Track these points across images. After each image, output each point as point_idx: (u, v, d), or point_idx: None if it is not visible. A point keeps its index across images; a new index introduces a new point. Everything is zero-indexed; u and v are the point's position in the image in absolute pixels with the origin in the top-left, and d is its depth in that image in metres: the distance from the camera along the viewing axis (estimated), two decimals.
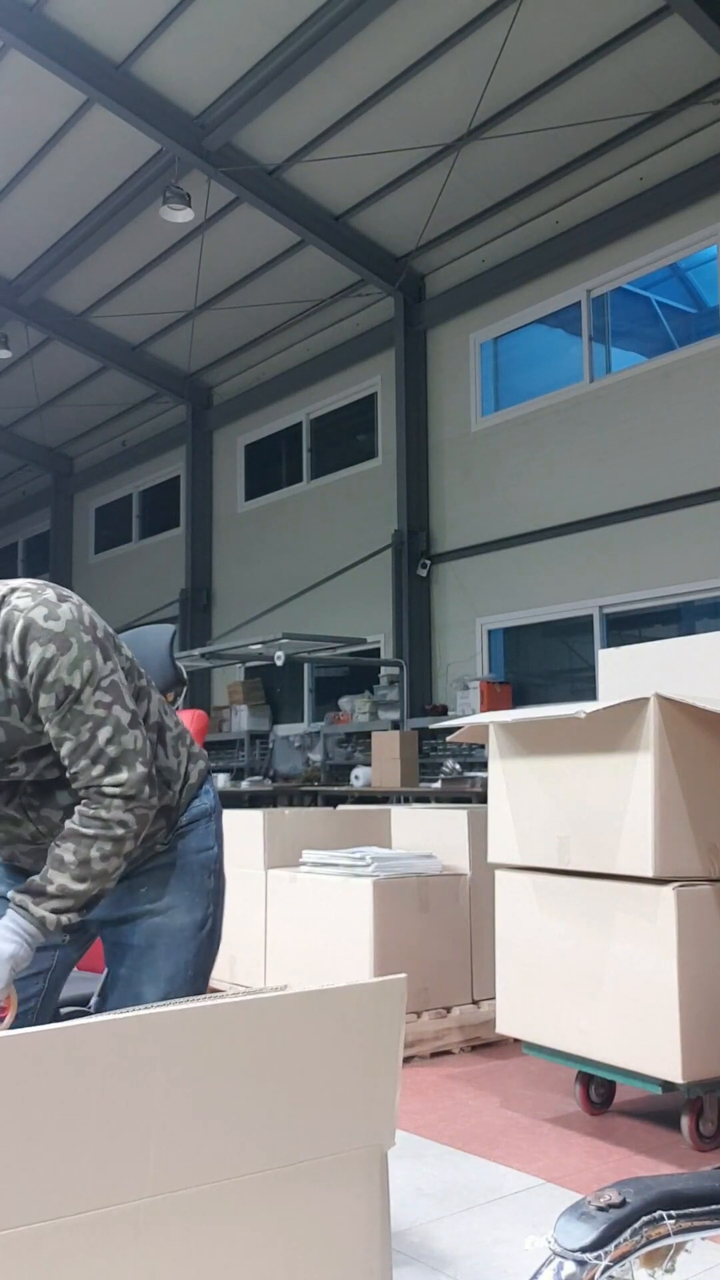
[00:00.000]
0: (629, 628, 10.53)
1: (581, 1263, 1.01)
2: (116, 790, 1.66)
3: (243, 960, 4.55)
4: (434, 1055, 3.92)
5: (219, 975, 4.31)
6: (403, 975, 1.54)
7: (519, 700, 10.99)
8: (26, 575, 20.24)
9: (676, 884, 2.85)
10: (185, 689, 2.37)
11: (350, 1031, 1.55)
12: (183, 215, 10.74)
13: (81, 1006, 2.12)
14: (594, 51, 8.97)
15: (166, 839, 1.90)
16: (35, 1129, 1.23)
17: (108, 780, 1.65)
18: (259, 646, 11.07)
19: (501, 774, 3.34)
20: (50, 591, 1.68)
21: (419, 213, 10.98)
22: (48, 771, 1.72)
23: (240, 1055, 1.49)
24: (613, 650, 3.79)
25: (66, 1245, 1.21)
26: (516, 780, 3.29)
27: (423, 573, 11.90)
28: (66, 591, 1.71)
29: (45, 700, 1.61)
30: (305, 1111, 1.40)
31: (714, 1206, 1.09)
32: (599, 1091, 3.29)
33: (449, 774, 9.94)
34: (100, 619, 1.74)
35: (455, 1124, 3.18)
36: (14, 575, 20.58)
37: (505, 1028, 3.33)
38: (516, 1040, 3.38)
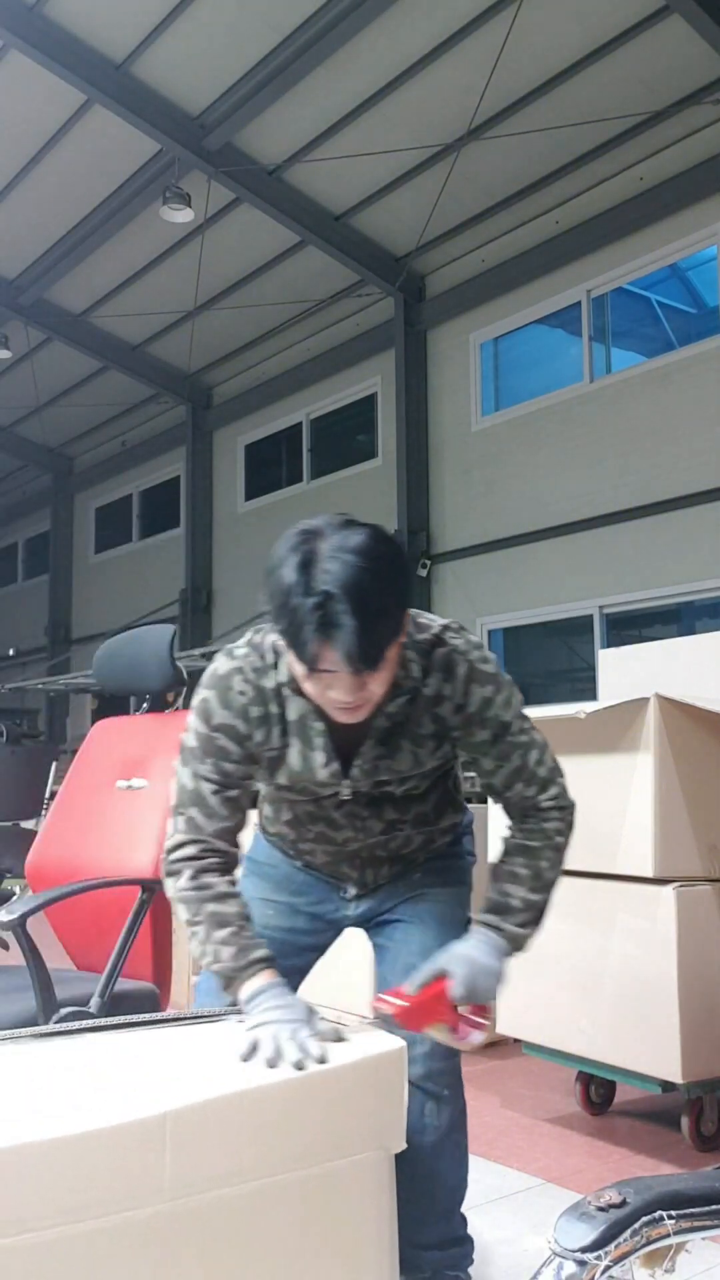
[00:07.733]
0: (629, 628, 10.53)
1: (581, 1263, 1.01)
2: (551, 803, 1.81)
3: None
4: None
5: None
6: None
7: None
8: (26, 575, 20.29)
9: (676, 884, 2.85)
10: (185, 689, 2.36)
11: (357, 1037, 1.56)
12: (183, 215, 10.75)
13: (81, 1007, 2.12)
14: (594, 51, 8.97)
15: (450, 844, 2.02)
16: (50, 1132, 1.23)
17: (543, 797, 1.81)
18: None
19: None
20: (470, 633, 1.80)
21: (419, 213, 10.97)
22: (400, 788, 1.81)
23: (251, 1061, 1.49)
24: (613, 650, 3.79)
25: (82, 1250, 1.21)
26: None
27: (423, 573, 11.90)
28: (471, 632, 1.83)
29: (481, 735, 1.76)
30: (315, 1117, 1.40)
31: (714, 1206, 1.09)
32: (599, 1091, 3.28)
33: None
34: None
35: None
36: (14, 576, 20.64)
37: (505, 1028, 3.33)
38: (516, 1040, 3.38)
